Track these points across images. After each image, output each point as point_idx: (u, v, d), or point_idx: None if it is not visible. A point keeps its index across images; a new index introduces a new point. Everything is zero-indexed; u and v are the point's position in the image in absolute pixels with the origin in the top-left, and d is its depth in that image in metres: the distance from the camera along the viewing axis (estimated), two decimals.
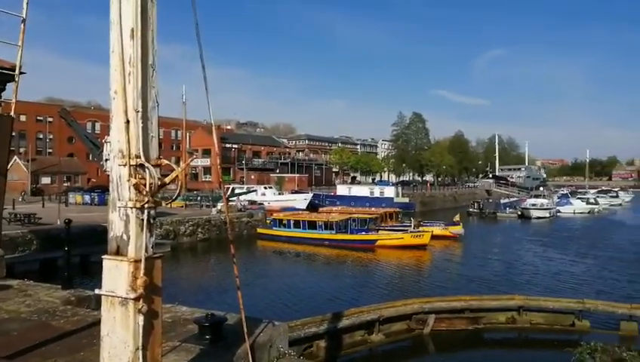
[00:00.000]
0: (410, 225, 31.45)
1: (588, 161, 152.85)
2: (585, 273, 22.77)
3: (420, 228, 30.92)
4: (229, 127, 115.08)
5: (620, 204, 76.53)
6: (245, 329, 4.61)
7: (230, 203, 40.78)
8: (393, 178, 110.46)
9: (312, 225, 31.34)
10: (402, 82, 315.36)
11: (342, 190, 58.70)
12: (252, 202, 44.10)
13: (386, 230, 32.40)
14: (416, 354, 12.70)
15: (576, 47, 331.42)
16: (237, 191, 47.36)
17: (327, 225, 30.70)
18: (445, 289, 18.32)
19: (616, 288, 19.29)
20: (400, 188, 63.05)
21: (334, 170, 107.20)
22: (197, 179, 78.34)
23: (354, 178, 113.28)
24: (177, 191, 3.63)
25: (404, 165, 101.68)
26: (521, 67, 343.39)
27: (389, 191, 56.09)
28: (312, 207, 46.18)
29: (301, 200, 48.80)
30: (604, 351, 9.27)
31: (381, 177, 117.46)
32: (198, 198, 44.25)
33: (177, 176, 3.36)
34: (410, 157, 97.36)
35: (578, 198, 65.94)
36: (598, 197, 71.51)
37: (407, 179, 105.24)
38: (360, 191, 57.07)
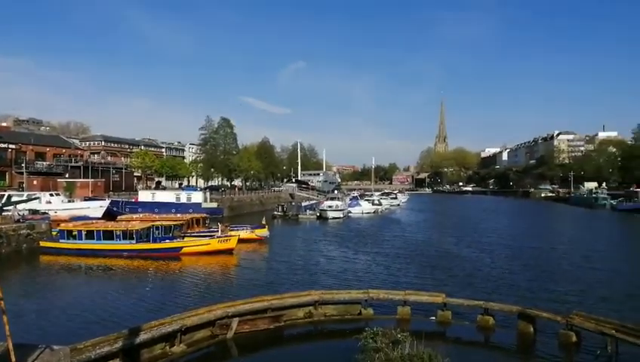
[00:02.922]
0: (218, 231, 31.44)
1: (374, 167, 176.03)
2: (369, 266, 25.86)
3: (227, 233, 31.23)
4: (4, 124, 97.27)
5: (399, 205, 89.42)
6: (13, 359, 4.01)
7: (6, 212, 34.68)
8: (201, 183, 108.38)
9: (109, 235, 28.72)
10: (210, 86, 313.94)
11: (144, 196, 55.08)
12: (34, 211, 38.13)
13: (192, 236, 31.76)
14: (218, 359, 12.69)
15: (362, 68, 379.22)
16: (14, 198, 40.18)
17: (127, 235, 28.52)
18: (251, 291, 18.75)
19: (392, 278, 22.41)
20: (208, 193, 62.22)
21: (136, 174, 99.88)
22: None
23: (159, 183, 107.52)
24: None
25: (212, 170, 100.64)
26: (319, 81, 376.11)
27: (197, 197, 54.87)
28: (110, 215, 42.19)
29: (96, 208, 44.12)
30: (384, 335, 10.70)
31: (189, 182, 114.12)
32: None
33: None
34: (218, 161, 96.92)
35: (366, 200, 74.82)
36: (381, 198, 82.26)
37: (216, 183, 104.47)
38: (165, 197, 54.37)
